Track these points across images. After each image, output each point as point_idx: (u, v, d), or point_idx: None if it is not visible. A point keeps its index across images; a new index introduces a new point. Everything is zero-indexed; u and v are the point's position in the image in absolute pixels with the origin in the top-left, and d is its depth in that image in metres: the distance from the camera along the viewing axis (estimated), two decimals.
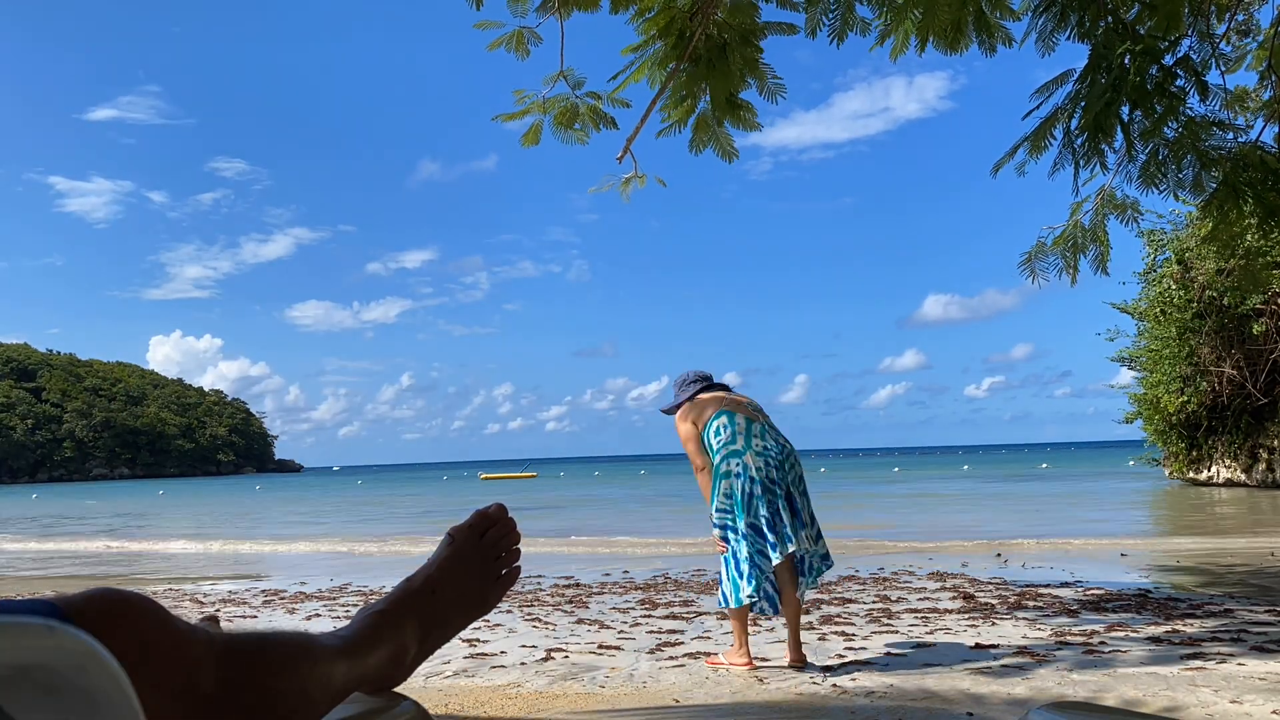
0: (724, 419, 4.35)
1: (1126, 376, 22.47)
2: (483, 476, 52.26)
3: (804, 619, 5.26)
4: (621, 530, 13.18)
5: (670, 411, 4.61)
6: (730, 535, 4.27)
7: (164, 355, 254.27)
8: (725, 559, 4.30)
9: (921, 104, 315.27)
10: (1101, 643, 4.69)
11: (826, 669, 4.26)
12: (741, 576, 4.21)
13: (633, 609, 6.32)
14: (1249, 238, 4.96)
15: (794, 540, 4.14)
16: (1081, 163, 3.96)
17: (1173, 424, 20.54)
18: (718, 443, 4.34)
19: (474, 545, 1.09)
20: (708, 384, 4.58)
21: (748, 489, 4.23)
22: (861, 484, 30.75)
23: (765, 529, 4.19)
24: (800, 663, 4.32)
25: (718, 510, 4.31)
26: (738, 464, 4.26)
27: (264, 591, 8.11)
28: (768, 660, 4.49)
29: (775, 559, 4.17)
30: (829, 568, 4.40)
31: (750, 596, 4.18)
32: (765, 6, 4.51)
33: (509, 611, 6.27)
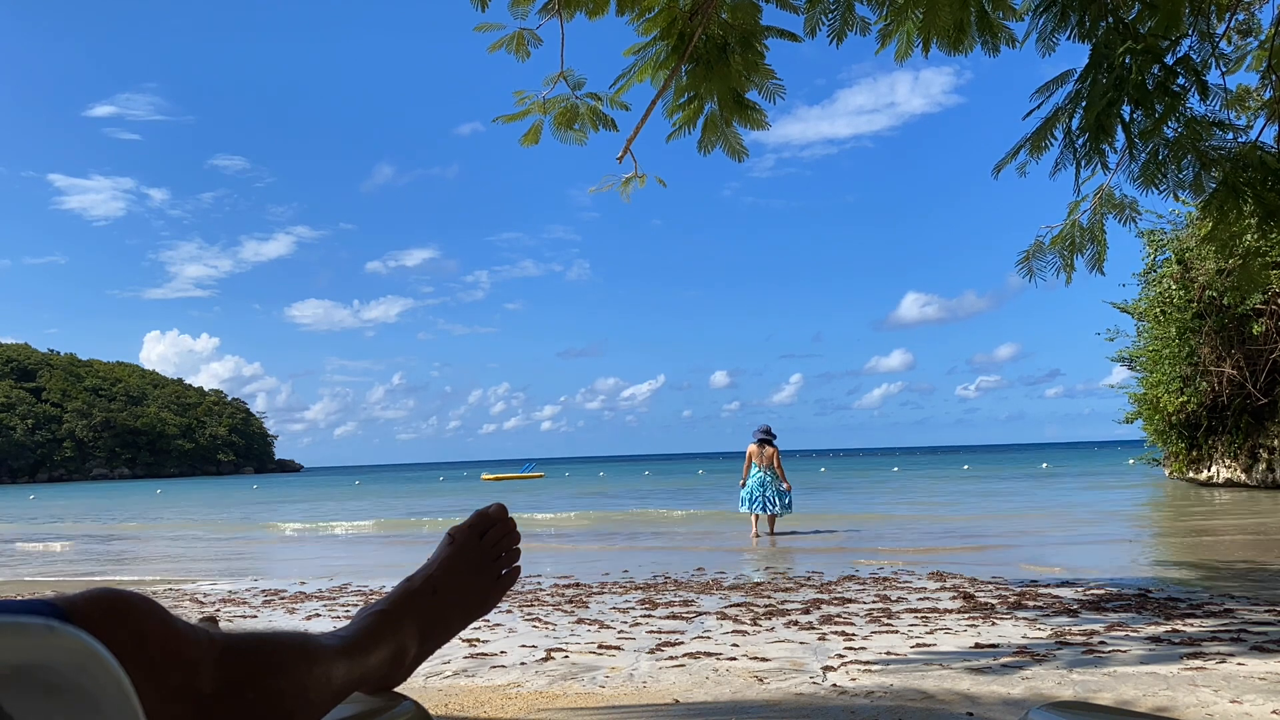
0: (757, 470, 12.38)
1: (1120, 376, 22.47)
2: (484, 477, 51.88)
3: (804, 618, 5.76)
4: (655, 536, 13.10)
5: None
6: (741, 493, 12.63)
7: (158, 354, 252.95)
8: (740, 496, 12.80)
9: (927, 99, 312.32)
10: (1101, 642, 4.70)
11: (827, 669, 4.26)
12: (741, 505, 12.64)
13: (633, 609, 6.32)
14: (1248, 238, 4.96)
15: (751, 509, 12.43)
16: (1083, 163, 3.95)
17: (1172, 424, 20.53)
18: (751, 469, 12.45)
19: (474, 545, 1.09)
20: (765, 434, 12.47)
21: (747, 495, 12.52)
22: (861, 484, 30.74)
23: (746, 504, 12.52)
24: (770, 531, 12.43)
25: (745, 488, 12.55)
26: (749, 482, 12.48)
27: (264, 591, 8.11)
28: (767, 660, 4.50)
29: (747, 509, 12.54)
30: (785, 507, 12.47)
31: (745, 510, 12.59)
32: (766, 7, 4.50)
33: (509, 611, 6.27)
